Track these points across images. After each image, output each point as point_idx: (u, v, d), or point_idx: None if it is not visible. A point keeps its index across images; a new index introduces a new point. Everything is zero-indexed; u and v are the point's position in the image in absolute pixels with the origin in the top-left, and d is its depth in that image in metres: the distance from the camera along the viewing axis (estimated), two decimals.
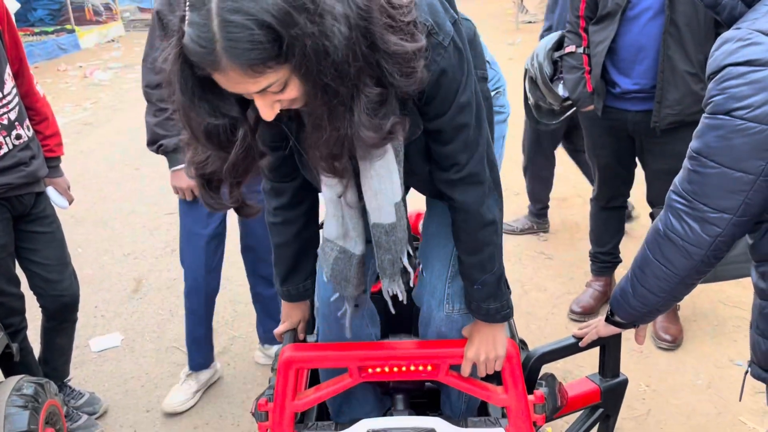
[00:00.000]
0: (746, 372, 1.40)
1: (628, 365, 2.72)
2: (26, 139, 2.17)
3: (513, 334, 1.80)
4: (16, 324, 2.26)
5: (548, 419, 1.59)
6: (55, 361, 2.51)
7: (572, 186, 4.65)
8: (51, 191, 2.39)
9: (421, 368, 1.50)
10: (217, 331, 3.16)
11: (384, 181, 1.29)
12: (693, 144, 1.24)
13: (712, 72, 1.21)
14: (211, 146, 1.14)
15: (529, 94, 3.12)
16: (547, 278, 3.55)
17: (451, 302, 1.57)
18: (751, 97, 1.13)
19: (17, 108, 2.15)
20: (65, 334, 2.50)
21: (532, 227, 4.06)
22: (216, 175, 1.19)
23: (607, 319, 1.60)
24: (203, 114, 1.08)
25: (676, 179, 1.29)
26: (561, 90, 2.93)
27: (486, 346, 1.48)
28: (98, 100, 8.41)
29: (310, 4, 0.94)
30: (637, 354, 2.81)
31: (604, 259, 3.17)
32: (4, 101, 2.09)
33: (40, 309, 2.41)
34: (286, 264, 1.62)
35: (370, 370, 1.50)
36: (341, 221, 1.40)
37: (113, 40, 13.31)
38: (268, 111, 1.08)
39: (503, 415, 1.58)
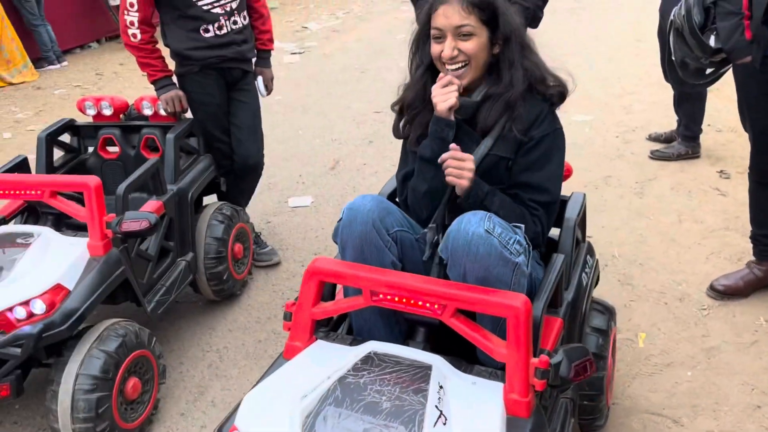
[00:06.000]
0: None
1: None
2: (241, 25, 2.86)
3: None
4: (226, 166, 3.05)
5: (555, 389, 1.53)
6: (236, 199, 3.13)
7: None
8: (258, 80, 3.08)
9: (428, 305, 1.49)
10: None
11: None
12: None
13: None
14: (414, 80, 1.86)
15: (673, 50, 2.67)
16: (708, 212, 3.47)
17: (491, 223, 1.55)
18: None
19: (238, 0, 2.83)
20: (248, 182, 3.15)
21: (687, 152, 4.05)
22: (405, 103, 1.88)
23: None
24: (417, 57, 1.86)
25: None
26: (712, 41, 2.50)
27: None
28: (350, 11, 9.37)
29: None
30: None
31: (766, 242, 2.71)
32: None
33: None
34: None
35: (381, 296, 1.54)
36: None
37: None
38: (449, 51, 1.70)
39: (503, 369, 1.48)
